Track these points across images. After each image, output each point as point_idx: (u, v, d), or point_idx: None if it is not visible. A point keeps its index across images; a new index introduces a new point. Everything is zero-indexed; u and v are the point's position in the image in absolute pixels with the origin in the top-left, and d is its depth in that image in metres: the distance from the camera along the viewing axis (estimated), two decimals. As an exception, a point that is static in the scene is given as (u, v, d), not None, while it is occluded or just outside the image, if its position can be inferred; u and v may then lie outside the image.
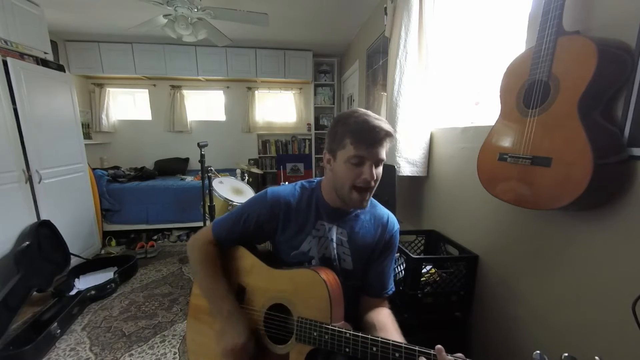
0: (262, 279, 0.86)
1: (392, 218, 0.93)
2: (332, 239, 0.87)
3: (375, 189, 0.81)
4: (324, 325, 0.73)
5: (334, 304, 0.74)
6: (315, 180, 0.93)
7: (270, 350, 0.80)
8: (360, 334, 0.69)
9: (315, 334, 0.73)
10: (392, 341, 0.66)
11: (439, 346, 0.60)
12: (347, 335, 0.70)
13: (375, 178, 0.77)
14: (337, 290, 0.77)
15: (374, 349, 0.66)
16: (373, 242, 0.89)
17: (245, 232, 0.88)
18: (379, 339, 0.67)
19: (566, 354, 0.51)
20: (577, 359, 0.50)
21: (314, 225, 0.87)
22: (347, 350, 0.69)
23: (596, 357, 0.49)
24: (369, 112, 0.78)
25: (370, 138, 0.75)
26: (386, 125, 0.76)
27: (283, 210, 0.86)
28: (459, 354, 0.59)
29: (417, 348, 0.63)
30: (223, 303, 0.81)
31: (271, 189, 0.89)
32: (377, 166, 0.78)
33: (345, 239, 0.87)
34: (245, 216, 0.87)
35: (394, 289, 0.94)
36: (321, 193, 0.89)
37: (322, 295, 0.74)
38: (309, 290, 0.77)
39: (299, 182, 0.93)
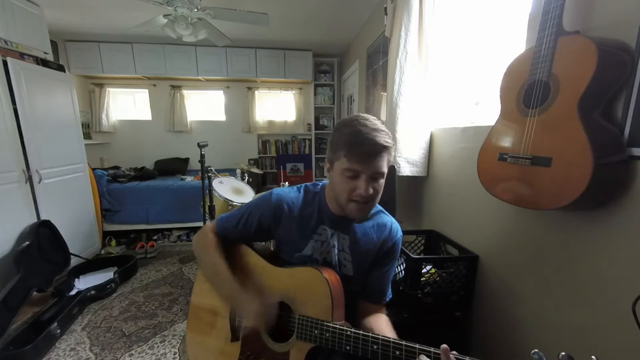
0: (264, 277, 0.86)
1: (396, 225, 0.91)
2: (334, 245, 0.86)
3: (375, 200, 0.79)
4: (324, 323, 0.73)
5: (336, 302, 0.75)
6: (320, 184, 0.92)
7: (271, 348, 0.80)
8: (361, 332, 0.69)
9: (316, 331, 0.73)
10: (393, 339, 0.66)
11: (444, 346, 0.58)
12: (348, 333, 0.70)
13: (371, 192, 0.74)
14: (338, 290, 0.77)
15: (375, 346, 0.67)
16: (375, 248, 0.87)
17: (246, 231, 0.89)
18: (380, 337, 0.67)
19: (563, 353, 0.50)
20: (573, 357, 0.49)
21: (316, 229, 0.87)
22: (348, 348, 0.69)
23: (593, 357, 0.49)
24: (369, 121, 0.74)
25: (364, 152, 0.71)
26: (383, 138, 0.72)
27: (285, 214, 0.86)
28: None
29: (417, 346, 0.63)
30: (229, 283, 0.82)
31: (276, 191, 0.89)
32: (374, 180, 0.75)
33: (347, 244, 0.87)
34: (247, 216, 0.88)
35: (391, 296, 0.93)
36: (325, 198, 0.87)
37: (324, 293, 0.75)
38: (311, 288, 0.77)
39: (303, 185, 0.93)
